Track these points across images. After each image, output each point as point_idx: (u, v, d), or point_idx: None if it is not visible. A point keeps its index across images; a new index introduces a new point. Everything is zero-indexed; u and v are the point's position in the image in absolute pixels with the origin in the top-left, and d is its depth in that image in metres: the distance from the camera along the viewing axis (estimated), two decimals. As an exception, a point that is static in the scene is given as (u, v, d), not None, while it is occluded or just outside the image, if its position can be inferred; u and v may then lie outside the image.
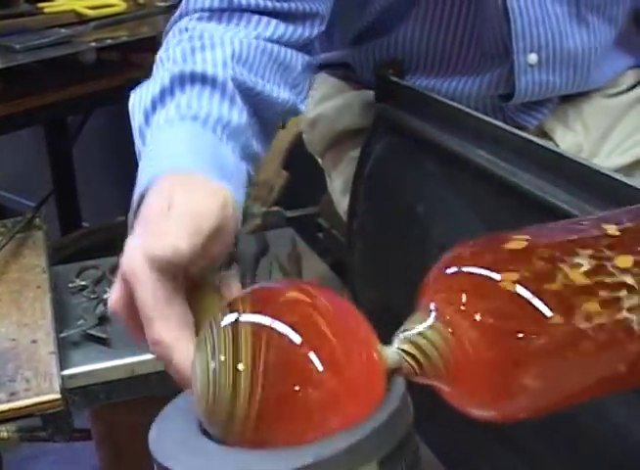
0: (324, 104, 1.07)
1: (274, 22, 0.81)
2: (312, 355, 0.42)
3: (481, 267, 0.43)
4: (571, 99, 0.99)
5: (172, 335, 0.53)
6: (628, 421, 0.62)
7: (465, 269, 0.43)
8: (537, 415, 0.44)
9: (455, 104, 0.86)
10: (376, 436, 0.43)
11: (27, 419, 0.92)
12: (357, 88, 1.02)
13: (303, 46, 0.84)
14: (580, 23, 0.93)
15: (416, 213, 0.85)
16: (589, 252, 0.43)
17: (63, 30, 1.42)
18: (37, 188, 1.98)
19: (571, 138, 0.98)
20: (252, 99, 0.75)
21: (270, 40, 0.80)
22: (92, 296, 1.14)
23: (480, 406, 0.44)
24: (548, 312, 0.41)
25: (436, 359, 0.43)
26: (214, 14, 0.80)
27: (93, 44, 1.41)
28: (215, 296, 0.58)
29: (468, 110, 0.84)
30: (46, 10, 1.52)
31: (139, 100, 0.72)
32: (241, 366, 0.42)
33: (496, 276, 0.42)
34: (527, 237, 0.44)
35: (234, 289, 0.60)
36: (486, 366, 0.42)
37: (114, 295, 0.56)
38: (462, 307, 0.42)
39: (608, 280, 0.42)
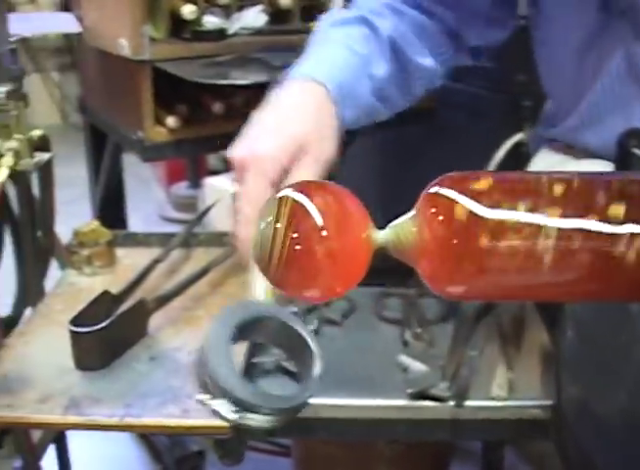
0: None
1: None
2: (320, 224, 0.61)
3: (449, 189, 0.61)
4: None
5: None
6: None
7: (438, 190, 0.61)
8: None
9: None
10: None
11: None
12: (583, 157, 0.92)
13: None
14: None
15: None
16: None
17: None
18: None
19: None
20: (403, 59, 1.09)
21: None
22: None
23: (434, 282, 0.61)
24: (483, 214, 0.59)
25: (407, 242, 0.62)
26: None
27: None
28: None
29: None
30: (318, 30, 1.52)
31: (329, 15, 1.09)
32: (278, 225, 0.61)
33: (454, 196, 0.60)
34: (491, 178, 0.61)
35: None
36: (434, 251, 0.60)
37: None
38: (432, 210, 0.61)
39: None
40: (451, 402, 0.94)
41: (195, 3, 1.43)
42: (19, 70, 1.21)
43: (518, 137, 1.38)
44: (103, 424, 0.89)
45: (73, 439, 1.59)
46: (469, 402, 0.95)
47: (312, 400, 0.96)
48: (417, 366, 1.00)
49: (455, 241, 0.58)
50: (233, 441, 0.95)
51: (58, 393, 0.94)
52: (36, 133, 1.27)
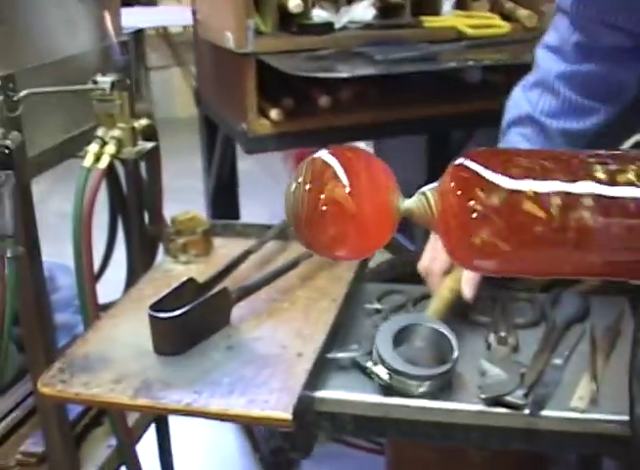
0: None
1: None
2: (347, 186, 0.63)
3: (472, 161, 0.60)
4: None
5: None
6: None
7: (464, 162, 0.60)
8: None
9: None
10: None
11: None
12: None
13: None
14: None
15: None
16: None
17: (432, 47, 1.38)
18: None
19: None
20: None
21: None
22: (380, 322, 1.09)
23: (454, 251, 0.61)
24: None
25: (427, 212, 0.63)
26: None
27: (453, 64, 1.35)
28: None
29: None
30: (427, 24, 1.49)
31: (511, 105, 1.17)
32: (307, 186, 0.64)
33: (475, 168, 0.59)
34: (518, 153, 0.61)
35: None
36: (451, 225, 0.60)
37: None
38: (452, 183, 0.60)
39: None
40: (527, 411, 0.90)
41: (302, -3, 1.43)
42: (124, 60, 1.24)
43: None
44: (169, 408, 0.90)
45: (175, 422, 1.63)
46: (545, 412, 0.90)
47: (384, 400, 0.94)
48: (495, 371, 0.96)
49: (473, 215, 0.58)
50: (301, 434, 0.95)
51: (132, 374, 0.96)
52: (142, 123, 1.30)
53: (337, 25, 1.46)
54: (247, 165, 1.85)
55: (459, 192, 0.59)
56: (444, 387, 0.95)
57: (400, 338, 0.99)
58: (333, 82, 1.42)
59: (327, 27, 1.44)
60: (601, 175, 0.55)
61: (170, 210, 1.36)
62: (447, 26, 1.49)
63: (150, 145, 1.30)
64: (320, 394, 0.96)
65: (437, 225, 0.62)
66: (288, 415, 0.88)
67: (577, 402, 0.92)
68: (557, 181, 0.56)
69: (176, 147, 2.43)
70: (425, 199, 0.63)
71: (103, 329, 1.08)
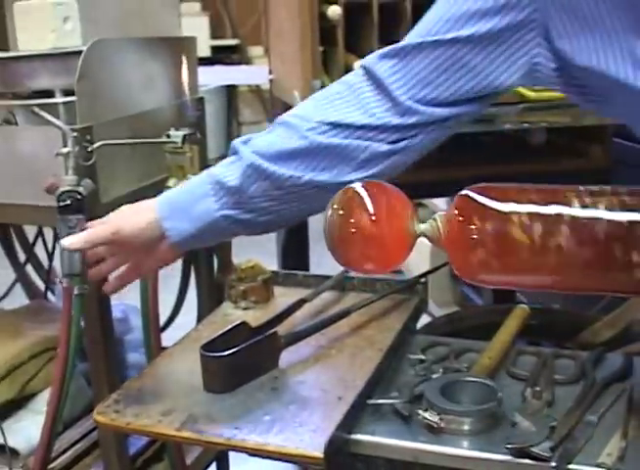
0: None
1: None
2: (371, 212, 0.81)
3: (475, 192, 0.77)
4: None
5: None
6: None
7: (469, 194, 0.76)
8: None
9: None
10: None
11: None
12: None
13: None
14: None
15: None
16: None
17: (493, 108, 1.43)
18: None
19: None
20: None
21: None
22: (422, 372, 1.13)
23: (461, 269, 0.76)
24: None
25: (437, 236, 0.78)
26: None
27: (509, 126, 1.40)
28: None
29: None
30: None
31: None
32: (341, 212, 0.82)
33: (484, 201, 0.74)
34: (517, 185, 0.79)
35: None
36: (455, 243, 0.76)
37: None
38: (456, 210, 0.76)
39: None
40: (553, 464, 0.92)
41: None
42: (196, 116, 1.34)
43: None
44: (211, 441, 0.96)
45: (235, 462, 1.67)
46: (572, 466, 0.92)
47: (410, 445, 0.98)
48: (525, 424, 0.98)
49: (474, 237, 0.72)
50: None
51: (181, 409, 1.02)
52: (211, 174, 1.39)
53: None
54: (319, 217, 1.92)
55: (460, 218, 0.73)
56: (492, 425, 1.00)
57: (446, 392, 1.04)
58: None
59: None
60: (576, 205, 0.65)
61: (244, 258, 1.43)
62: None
63: (217, 196, 1.38)
64: (356, 436, 1.00)
65: (445, 246, 0.75)
66: (319, 453, 0.92)
67: (605, 459, 0.93)
68: (536, 206, 0.69)
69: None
70: (435, 223, 0.75)
71: (159, 366, 1.15)
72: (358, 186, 0.83)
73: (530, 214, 0.70)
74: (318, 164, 0.99)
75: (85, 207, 1.09)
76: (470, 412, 0.99)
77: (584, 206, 0.69)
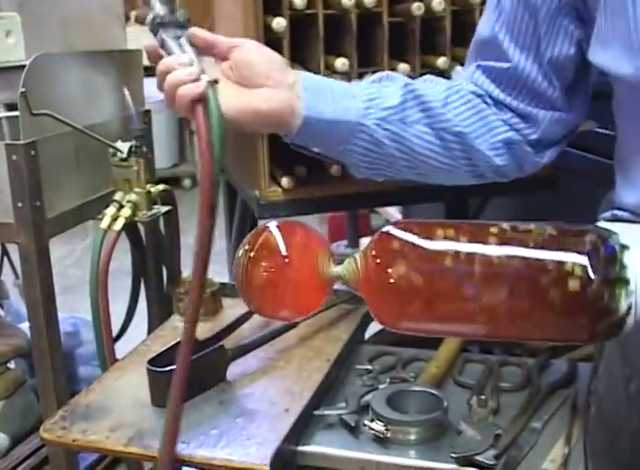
0: None
1: None
2: (284, 255, 0.75)
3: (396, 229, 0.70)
4: None
5: None
6: None
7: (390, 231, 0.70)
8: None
9: None
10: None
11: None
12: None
13: None
14: None
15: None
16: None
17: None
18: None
19: None
20: None
21: None
22: (369, 382, 1.14)
23: (381, 316, 0.71)
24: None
25: (352, 279, 0.71)
26: None
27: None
28: None
29: None
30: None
31: None
32: (252, 254, 0.75)
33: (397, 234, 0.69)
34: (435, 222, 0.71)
35: None
36: (372, 291, 0.70)
37: None
38: (373, 252, 0.69)
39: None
40: (497, 471, 0.94)
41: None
42: (142, 130, 1.33)
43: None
44: (156, 456, 0.96)
45: None
46: (515, 473, 0.94)
47: (357, 455, 0.99)
48: (470, 432, 1.00)
49: (390, 280, 0.66)
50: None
51: (128, 424, 1.02)
52: (158, 188, 1.38)
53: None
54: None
55: (378, 260, 0.67)
56: (438, 434, 1.00)
57: (393, 402, 1.04)
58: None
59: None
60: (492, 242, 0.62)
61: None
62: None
63: (164, 209, 1.38)
64: (303, 448, 1.01)
65: (362, 287, 0.69)
66: (266, 466, 0.92)
67: (548, 465, 0.95)
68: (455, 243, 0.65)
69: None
70: (354, 263, 0.70)
71: (107, 381, 1.15)
72: (270, 227, 0.77)
73: (455, 254, 0.65)
74: None
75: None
76: (416, 422, 1.00)
77: (503, 243, 0.65)
